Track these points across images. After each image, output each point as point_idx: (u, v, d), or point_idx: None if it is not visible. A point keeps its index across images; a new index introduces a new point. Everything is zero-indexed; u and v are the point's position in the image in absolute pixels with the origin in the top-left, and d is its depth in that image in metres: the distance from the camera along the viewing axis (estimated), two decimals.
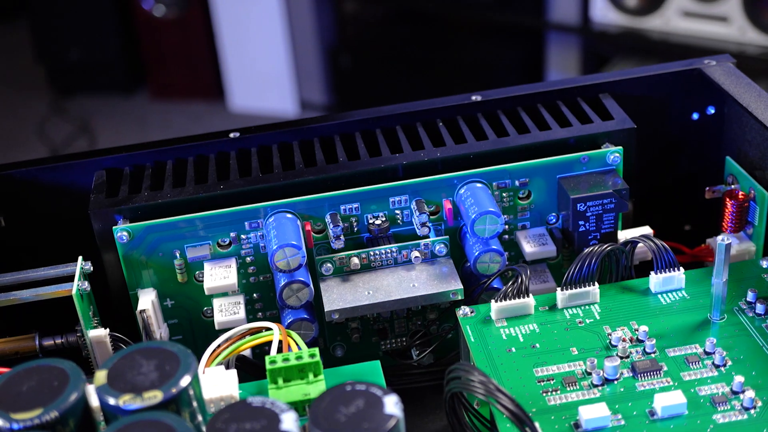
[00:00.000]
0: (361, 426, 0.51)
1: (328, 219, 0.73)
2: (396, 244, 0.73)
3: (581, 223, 0.73)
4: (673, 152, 0.85)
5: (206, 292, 0.72)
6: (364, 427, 0.51)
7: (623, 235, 0.76)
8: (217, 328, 0.72)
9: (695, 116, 0.83)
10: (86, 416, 0.55)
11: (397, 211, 0.74)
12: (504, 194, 0.75)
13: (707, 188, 0.78)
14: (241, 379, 0.66)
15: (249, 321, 0.74)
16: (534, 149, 0.75)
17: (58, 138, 3.04)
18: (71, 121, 3.12)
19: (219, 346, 0.68)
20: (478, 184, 0.73)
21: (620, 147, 0.74)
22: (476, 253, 0.72)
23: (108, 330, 0.71)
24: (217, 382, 0.63)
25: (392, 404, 0.52)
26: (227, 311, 0.73)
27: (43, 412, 0.53)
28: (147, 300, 0.72)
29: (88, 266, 0.72)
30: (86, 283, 0.70)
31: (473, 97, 0.80)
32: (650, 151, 0.84)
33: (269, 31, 2.97)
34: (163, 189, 0.74)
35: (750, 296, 0.69)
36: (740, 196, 0.76)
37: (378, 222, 0.73)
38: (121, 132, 3.11)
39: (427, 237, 0.73)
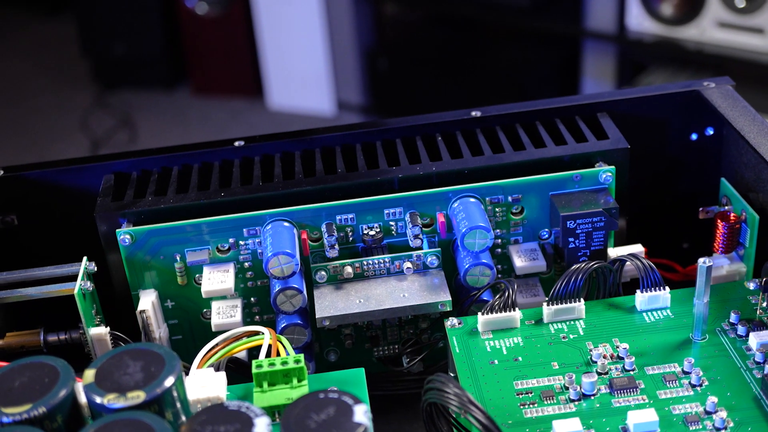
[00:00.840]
0: None
1: (323, 228, 0.75)
2: (389, 255, 0.75)
3: (571, 240, 0.75)
4: (672, 171, 0.86)
5: (203, 295, 0.74)
6: None
7: (614, 252, 0.77)
8: (213, 329, 0.74)
9: (694, 137, 0.84)
10: (74, 413, 0.58)
11: (392, 223, 0.76)
12: (497, 209, 0.76)
13: (701, 209, 0.79)
14: (234, 381, 0.68)
15: (246, 324, 0.76)
16: (528, 166, 0.76)
17: (99, 131, 3.10)
18: (113, 115, 3.18)
19: (212, 348, 0.70)
20: (472, 199, 0.75)
21: (613, 167, 0.75)
22: (466, 266, 0.73)
23: (108, 328, 0.73)
24: (206, 384, 0.65)
25: (362, 413, 0.54)
26: (224, 314, 0.75)
27: (32, 407, 0.55)
28: (147, 301, 0.75)
29: (92, 267, 0.74)
30: (89, 282, 0.73)
31: (473, 113, 0.81)
32: (649, 170, 0.85)
33: (309, 32, 3.00)
34: (166, 194, 0.76)
35: (733, 317, 0.69)
36: (732, 218, 0.77)
37: (372, 233, 0.75)
38: (162, 127, 3.16)
39: (419, 249, 0.75)
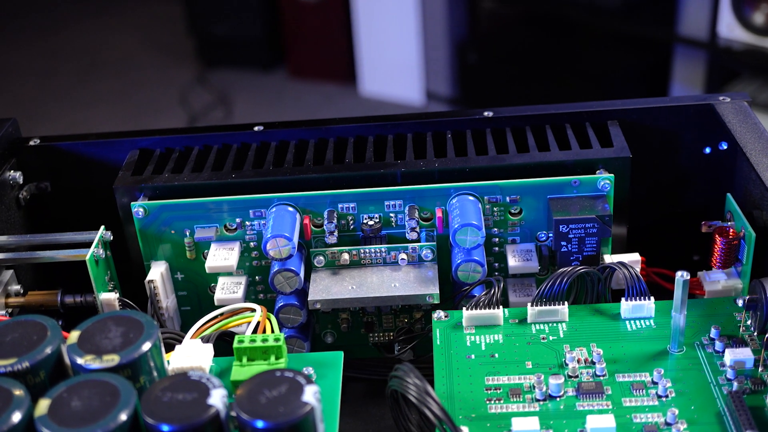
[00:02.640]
0: (276, 409, 0.54)
1: (325, 215, 0.76)
2: (385, 245, 0.76)
3: (563, 243, 0.75)
4: (684, 183, 0.85)
5: (207, 270, 0.77)
6: (279, 411, 0.54)
7: (610, 259, 0.77)
8: (216, 303, 0.77)
9: (707, 150, 0.82)
10: (59, 370, 0.61)
11: (392, 215, 0.77)
12: (495, 208, 0.77)
13: (703, 222, 0.78)
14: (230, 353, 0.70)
15: (250, 301, 0.79)
16: (529, 168, 0.76)
17: (197, 106, 3.18)
18: (212, 92, 3.26)
19: (208, 321, 0.73)
20: (470, 197, 0.76)
21: (612, 175, 0.75)
22: (458, 262, 0.74)
23: (118, 294, 0.77)
24: (192, 354, 0.67)
25: (311, 393, 0.55)
26: (228, 290, 0.78)
27: (16, 361, 0.59)
28: (157, 272, 0.78)
29: (108, 235, 0.78)
30: (102, 250, 0.77)
31: (485, 113, 0.82)
32: (661, 180, 0.84)
33: (403, 21, 3.02)
34: (182, 172, 0.79)
35: (713, 332, 0.69)
36: (731, 234, 0.76)
37: (371, 222, 0.76)
38: (256, 107, 3.23)
39: (415, 241, 0.76)
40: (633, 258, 0.77)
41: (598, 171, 0.76)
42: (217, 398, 0.55)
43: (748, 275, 0.75)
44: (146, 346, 0.59)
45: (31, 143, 0.84)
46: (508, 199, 0.76)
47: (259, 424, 0.54)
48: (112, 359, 0.58)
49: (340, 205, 0.76)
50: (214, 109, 3.19)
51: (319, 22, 3.25)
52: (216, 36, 3.41)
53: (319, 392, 0.56)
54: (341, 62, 3.30)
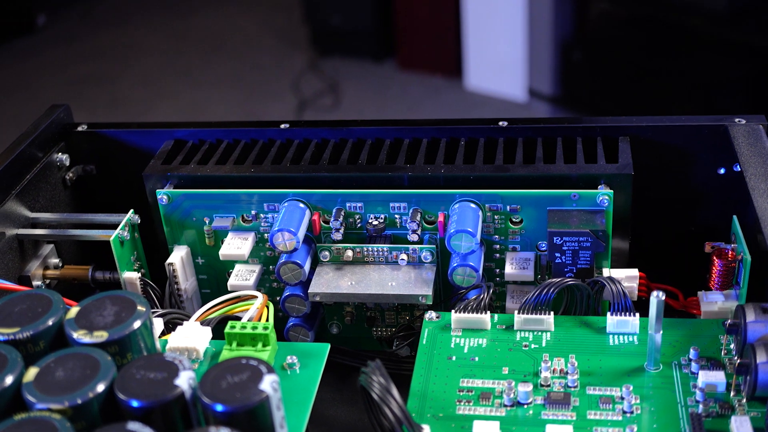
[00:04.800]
0: (233, 395, 0.57)
1: (333, 212, 0.79)
2: (387, 245, 0.78)
3: (557, 255, 0.75)
4: (697, 202, 0.83)
5: (220, 257, 0.80)
6: (235, 396, 0.57)
7: (607, 273, 0.77)
8: (228, 289, 0.81)
9: (722, 171, 0.81)
10: (59, 341, 0.65)
11: (397, 216, 0.78)
12: (496, 216, 0.77)
13: (707, 242, 0.77)
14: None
15: (264, 290, 0.82)
16: (532, 179, 0.76)
17: (308, 93, 3.25)
18: (323, 80, 3.32)
19: (215, 305, 0.76)
20: (472, 204, 0.76)
21: (611, 191, 0.75)
22: (454, 265, 0.75)
23: (139, 274, 0.81)
24: (190, 335, 0.71)
25: (268, 383, 0.58)
26: (241, 277, 0.81)
27: (19, 330, 0.63)
28: (177, 255, 0.82)
29: (136, 219, 0.82)
30: (128, 232, 0.81)
31: (500, 123, 0.83)
32: (674, 198, 0.83)
33: (510, 18, 3.01)
34: (207, 164, 0.82)
35: (692, 353, 0.68)
36: (729, 256, 0.75)
37: (375, 222, 0.78)
38: (364, 96, 3.27)
39: (416, 243, 0.78)
40: (631, 273, 0.77)
41: (599, 186, 0.76)
42: (184, 380, 0.58)
43: (743, 299, 0.74)
44: (135, 325, 0.63)
45: (79, 129, 0.89)
46: (508, 208, 0.77)
47: (218, 407, 0.57)
48: (101, 335, 0.62)
49: (348, 204, 0.78)
50: (323, 96, 3.25)
51: (429, 16, 3.27)
52: (330, 26, 3.47)
53: (278, 382, 0.58)
54: (449, 56, 3.31)
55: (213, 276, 0.84)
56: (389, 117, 3.07)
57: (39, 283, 0.83)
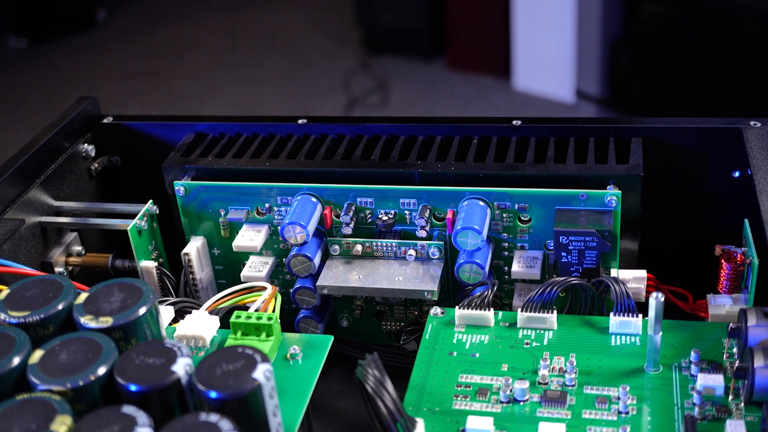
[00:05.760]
0: (226, 382, 0.58)
1: (344, 207, 0.79)
2: (396, 240, 0.78)
3: (563, 254, 0.74)
4: (712, 205, 0.82)
5: (234, 249, 0.81)
6: (228, 384, 0.57)
7: (614, 273, 0.76)
8: (242, 279, 0.82)
9: (736, 174, 0.80)
10: (67, 325, 0.67)
11: (406, 212, 0.79)
12: (504, 214, 0.77)
13: (717, 245, 0.75)
14: None
15: (278, 281, 0.83)
16: (541, 179, 0.76)
17: (357, 91, 3.26)
18: (373, 78, 3.34)
19: (225, 295, 0.77)
20: (480, 202, 0.76)
21: (619, 191, 0.74)
22: (460, 262, 0.75)
23: (156, 263, 0.82)
24: (198, 323, 0.72)
25: (261, 372, 0.58)
26: (254, 268, 0.82)
27: (29, 314, 0.64)
28: (193, 246, 0.83)
29: (155, 209, 0.83)
30: (145, 222, 0.82)
31: (514, 122, 0.82)
32: (689, 200, 0.82)
33: (559, 19, 2.99)
34: (224, 157, 0.83)
35: (693, 356, 0.67)
36: (738, 259, 0.74)
37: (385, 218, 0.78)
38: (412, 95, 3.28)
39: (424, 239, 0.78)
40: (639, 274, 0.76)
41: (608, 186, 0.75)
42: (181, 366, 0.59)
43: (751, 302, 0.72)
44: (140, 312, 0.64)
45: (105, 121, 0.91)
46: (516, 206, 0.76)
47: (212, 394, 0.57)
48: (106, 321, 0.63)
49: (359, 200, 0.79)
50: (372, 94, 3.26)
51: (479, 16, 3.26)
52: (381, 25, 3.48)
53: (271, 371, 0.59)
54: (497, 56, 3.29)
55: (228, 267, 0.85)
56: (437, 116, 3.07)
57: (61, 269, 0.85)
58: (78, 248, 0.87)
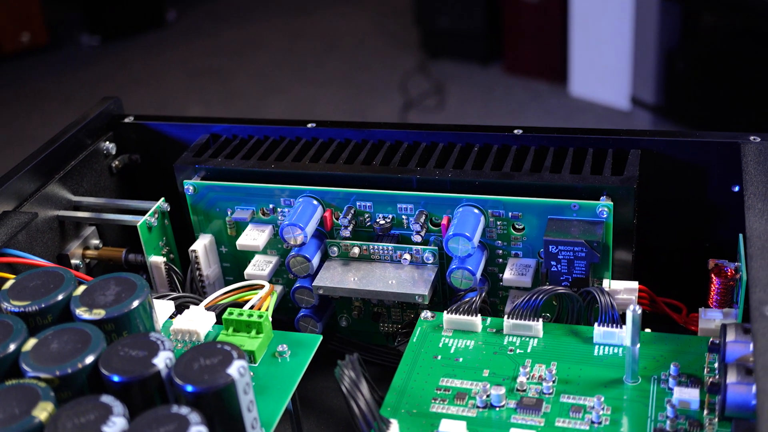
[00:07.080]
0: (202, 377, 0.59)
1: (344, 210, 0.80)
2: (392, 244, 0.79)
3: (553, 263, 0.74)
4: (710, 218, 0.81)
5: (237, 247, 0.83)
6: (204, 378, 0.59)
7: (606, 284, 0.75)
8: (245, 277, 0.83)
9: (736, 188, 0.78)
10: (65, 315, 0.69)
11: (404, 217, 0.79)
12: (498, 222, 0.77)
13: (710, 259, 0.75)
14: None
15: (280, 280, 0.85)
16: (535, 188, 0.76)
17: (414, 93, 3.27)
18: (430, 81, 3.34)
19: (226, 292, 0.79)
20: (475, 209, 0.76)
21: (611, 203, 0.73)
22: (452, 267, 0.76)
23: (165, 259, 0.84)
24: (194, 318, 0.73)
25: (236, 368, 0.59)
26: (258, 267, 0.83)
27: (29, 304, 0.67)
28: (201, 243, 0.85)
29: (166, 206, 0.85)
30: (155, 218, 0.84)
31: (515, 131, 0.82)
32: (688, 213, 0.81)
33: (616, 26, 2.97)
34: (233, 158, 0.85)
35: (672, 369, 0.66)
36: (728, 274, 0.73)
37: (382, 222, 0.79)
38: (468, 98, 3.28)
39: (420, 244, 0.78)
40: (631, 286, 0.75)
41: (602, 197, 0.75)
42: (162, 359, 0.61)
43: (740, 317, 0.71)
44: (132, 305, 0.66)
45: (126, 120, 0.93)
46: (510, 214, 0.76)
47: (188, 388, 0.59)
48: (99, 313, 0.65)
49: (358, 203, 0.80)
50: (428, 97, 3.27)
51: (537, 22, 3.25)
52: (440, 28, 3.48)
53: (246, 367, 0.60)
54: (554, 62, 3.28)
55: (235, 264, 0.87)
56: (492, 121, 3.06)
57: (77, 262, 0.87)
58: (96, 242, 0.89)
